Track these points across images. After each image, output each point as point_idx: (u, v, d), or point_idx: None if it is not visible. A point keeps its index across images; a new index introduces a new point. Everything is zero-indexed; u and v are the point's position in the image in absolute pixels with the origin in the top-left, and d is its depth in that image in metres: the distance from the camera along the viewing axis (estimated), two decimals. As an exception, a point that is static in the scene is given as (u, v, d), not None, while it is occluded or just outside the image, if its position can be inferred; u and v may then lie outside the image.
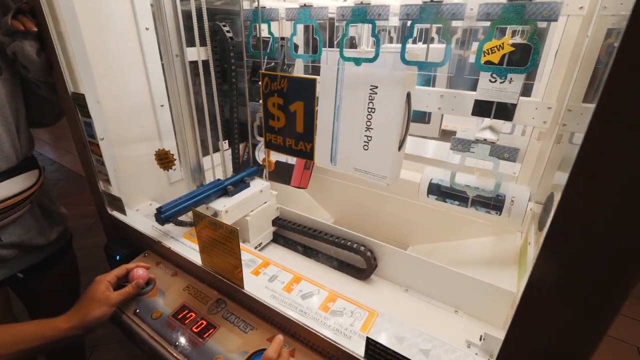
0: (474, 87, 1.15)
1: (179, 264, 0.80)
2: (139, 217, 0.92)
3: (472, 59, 1.51)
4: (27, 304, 1.05)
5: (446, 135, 1.60)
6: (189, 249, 0.79)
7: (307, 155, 0.55)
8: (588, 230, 0.33)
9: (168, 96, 1.07)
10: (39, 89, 0.83)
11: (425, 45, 1.25)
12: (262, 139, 1.08)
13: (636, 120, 0.28)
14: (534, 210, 1.03)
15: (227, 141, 1.09)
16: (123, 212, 0.89)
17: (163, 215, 0.75)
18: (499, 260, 1.07)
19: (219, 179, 0.91)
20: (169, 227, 0.90)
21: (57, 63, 0.76)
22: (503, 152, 0.85)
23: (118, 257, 0.90)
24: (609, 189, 0.31)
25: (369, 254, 0.90)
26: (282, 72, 0.96)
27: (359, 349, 0.56)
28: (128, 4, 0.90)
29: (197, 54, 0.73)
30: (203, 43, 0.75)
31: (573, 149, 0.99)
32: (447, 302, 0.89)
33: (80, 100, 0.78)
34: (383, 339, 0.57)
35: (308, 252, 1.05)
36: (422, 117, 1.41)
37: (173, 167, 0.84)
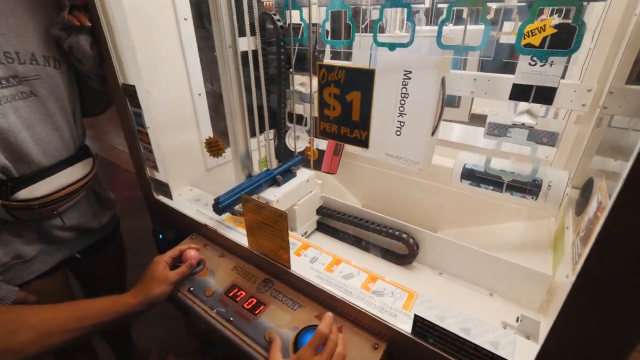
0: (502, 70, 1.12)
1: (225, 245, 0.85)
2: (184, 202, 0.97)
3: (503, 39, 1.47)
4: (82, 284, 1.14)
5: (475, 119, 1.57)
6: (234, 232, 0.84)
7: (362, 142, 0.57)
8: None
9: (212, 85, 1.10)
10: (91, 81, 0.88)
11: (459, 27, 1.22)
12: (291, 126, 1.11)
13: None
14: (571, 195, 1.02)
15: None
16: (170, 196, 0.94)
17: (221, 206, 0.80)
18: (531, 245, 1.07)
19: (267, 169, 0.94)
20: (211, 210, 0.95)
21: (109, 56, 0.80)
22: (542, 137, 0.85)
23: (161, 236, 0.97)
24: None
25: (411, 241, 0.92)
26: (313, 58, 0.97)
27: (405, 326, 0.59)
28: (168, -3, 0.92)
29: (247, 44, 0.75)
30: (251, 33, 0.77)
31: (612, 132, 0.97)
32: (482, 285, 0.91)
33: (130, 91, 0.82)
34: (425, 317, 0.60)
35: (349, 239, 1.08)
36: (452, 102, 1.40)
37: (223, 155, 0.88)
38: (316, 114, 0.72)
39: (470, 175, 0.98)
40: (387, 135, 1.05)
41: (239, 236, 0.82)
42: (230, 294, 0.73)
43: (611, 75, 0.89)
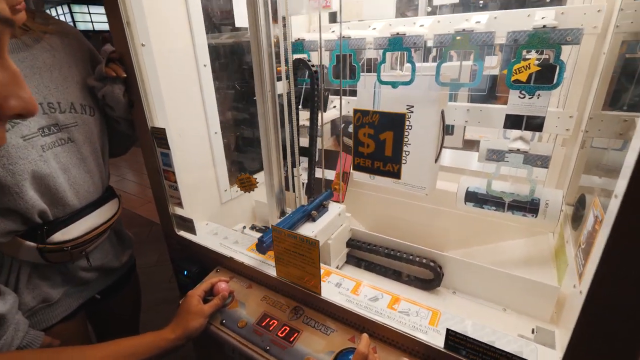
0: (488, 98, 1.23)
1: (252, 276, 0.88)
2: (207, 236, 1.01)
3: (487, 72, 1.62)
4: (98, 325, 1.12)
5: (467, 144, 1.70)
6: (259, 262, 0.88)
7: (394, 174, 0.64)
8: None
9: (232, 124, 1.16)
10: (119, 125, 0.93)
11: (448, 64, 1.35)
12: (304, 159, 1.17)
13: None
14: (565, 211, 1.11)
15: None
16: (193, 232, 0.97)
17: (265, 245, 0.82)
18: (533, 260, 1.14)
19: (302, 205, 0.98)
20: (234, 243, 0.98)
21: (139, 102, 0.87)
22: (536, 160, 0.94)
23: (186, 273, 0.99)
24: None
25: (438, 269, 0.97)
26: (323, 97, 1.07)
27: (437, 341, 0.63)
28: (189, 43, 1.01)
29: (282, 87, 0.83)
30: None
31: (595, 152, 1.08)
32: (495, 301, 0.96)
33: (158, 134, 0.88)
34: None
35: (377, 268, 1.11)
36: (446, 129, 1.51)
37: (254, 189, 0.93)
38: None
39: (473, 198, 1.06)
40: (393, 164, 1.13)
41: (266, 266, 0.86)
42: (263, 324, 0.76)
43: (589, 103, 1.01)
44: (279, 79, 0.87)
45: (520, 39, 0.87)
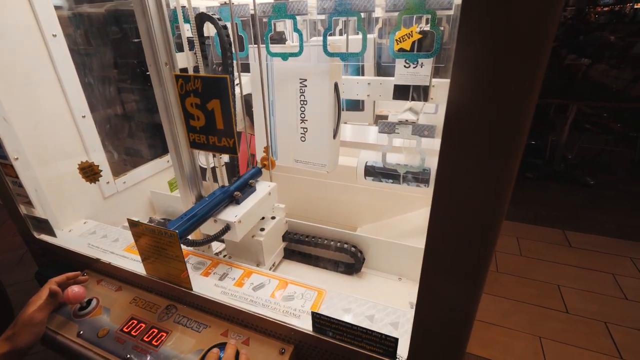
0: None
1: (123, 278, 0.78)
2: (72, 237, 0.87)
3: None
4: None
5: (381, 120, 1.70)
6: (131, 261, 0.77)
7: (231, 150, 0.56)
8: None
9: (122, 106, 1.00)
10: None
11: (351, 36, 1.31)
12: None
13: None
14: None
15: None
16: (52, 234, 0.83)
17: None
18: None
19: (223, 186, 0.83)
20: (113, 241, 0.86)
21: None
22: (423, 130, 0.94)
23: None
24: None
25: (359, 254, 0.94)
26: (212, 71, 0.94)
27: (307, 325, 0.60)
28: (29, 12, 0.83)
29: (186, 60, 0.68)
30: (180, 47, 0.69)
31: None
32: (392, 272, 0.97)
33: (-18, 119, 0.71)
34: (330, 313, 0.62)
35: (311, 260, 1.03)
36: (356, 105, 1.49)
37: (99, 179, 0.80)
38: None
39: (372, 172, 1.05)
40: (293, 143, 1.07)
41: (136, 264, 0.76)
42: (127, 329, 0.67)
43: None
44: (179, 49, 0.72)
45: (398, 3, 0.84)
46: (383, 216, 1.35)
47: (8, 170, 0.76)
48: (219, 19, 0.81)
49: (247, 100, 1.39)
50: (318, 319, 0.57)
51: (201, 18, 0.78)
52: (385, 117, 1.79)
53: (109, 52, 1.19)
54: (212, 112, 0.52)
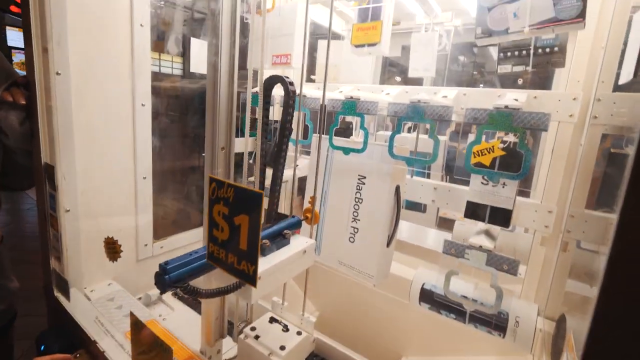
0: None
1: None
2: (85, 304, 0.81)
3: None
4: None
5: (446, 223, 1.49)
6: (125, 356, 0.66)
7: (249, 278, 0.44)
8: None
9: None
10: (15, 155, 0.81)
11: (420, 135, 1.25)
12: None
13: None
14: (544, 329, 0.88)
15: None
16: (67, 296, 0.78)
17: (169, 276, 0.50)
18: (507, 390, 0.88)
19: None
20: (124, 317, 0.78)
21: (38, 134, 0.75)
22: (502, 263, 0.75)
23: (43, 348, 0.77)
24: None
25: None
26: (272, 154, 0.92)
27: None
28: (127, 82, 0.93)
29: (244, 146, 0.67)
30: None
31: (583, 255, 0.89)
32: None
33: (50, 171, 0.75)
34: None
35: None
36: (418, 205, 1.34)
37: (118, 259, 0.75)
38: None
39: (429, 299, 0.86)
40: (340, 241, 0.96)
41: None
42: None
43: (569, 199, 0.86)
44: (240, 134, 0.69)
45: (480, 117, 0.75)
46: (437, 350, 1.07)
47: (53, 222, 0.77)
48: (290, 83, 0.73)
49: (302, 181, 1.36)
50: None
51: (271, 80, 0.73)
52: (451, 221, 1.59)
53: (183, 121, 1.30)
54: (239, 228, 0.44)
